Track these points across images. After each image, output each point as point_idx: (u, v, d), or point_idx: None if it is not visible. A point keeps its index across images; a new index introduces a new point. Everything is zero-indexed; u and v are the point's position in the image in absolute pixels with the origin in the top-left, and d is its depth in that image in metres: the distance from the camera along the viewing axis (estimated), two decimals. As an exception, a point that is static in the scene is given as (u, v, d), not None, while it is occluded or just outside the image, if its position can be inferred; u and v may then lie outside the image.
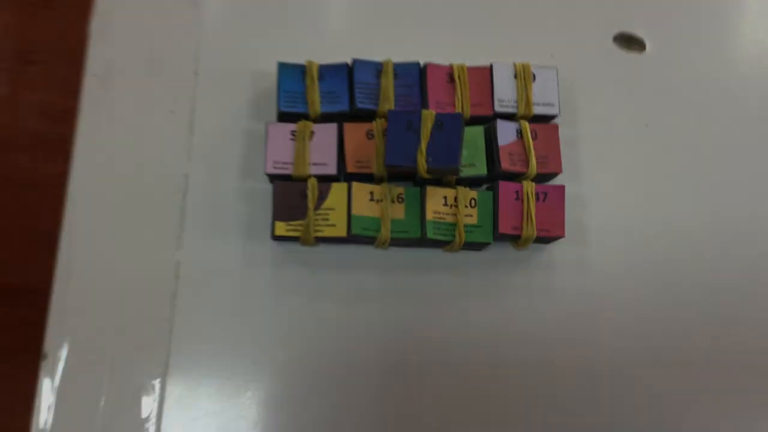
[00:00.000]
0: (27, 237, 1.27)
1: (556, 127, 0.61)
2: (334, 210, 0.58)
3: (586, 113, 0.66)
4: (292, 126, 0.59)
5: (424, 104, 0.61)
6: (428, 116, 0.56)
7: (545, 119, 0.63)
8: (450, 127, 0.56)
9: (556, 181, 0.62)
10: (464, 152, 0.59)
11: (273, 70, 0.60)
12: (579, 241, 0.62)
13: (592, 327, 0.61)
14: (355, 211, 0.58)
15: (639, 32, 0.69)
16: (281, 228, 0.57)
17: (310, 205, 0.57)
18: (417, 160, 0.55)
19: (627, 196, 0.64)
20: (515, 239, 0.60)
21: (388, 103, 0.60)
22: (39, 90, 1.38)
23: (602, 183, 0.64)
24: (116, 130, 0.61)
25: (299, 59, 0.61)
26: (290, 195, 0.58)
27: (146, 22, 0.64)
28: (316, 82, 0.60)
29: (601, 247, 0.63)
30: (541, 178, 0.61)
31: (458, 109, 0.60)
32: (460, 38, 0.67)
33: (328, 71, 0.61)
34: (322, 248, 0.60)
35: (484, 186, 0.62)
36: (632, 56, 0.68)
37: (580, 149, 0.65)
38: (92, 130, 0.60)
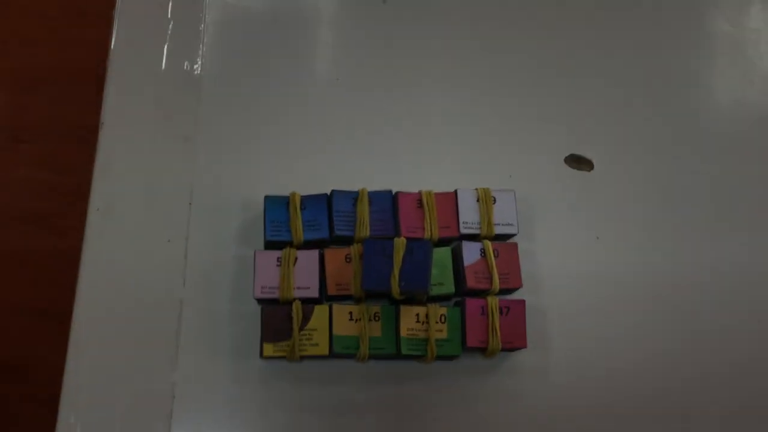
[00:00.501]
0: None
1: (515, 246, 0.68)
2: (317, 330, 0.64)
3: (542, 228, 0.73)
4: (278, 253, 0.66)
5: (397, 229, 0.68)
6: (400, 244, 0.63)
7: (505, 237, 0.70)
8: (420, 253, 0.63)
9: (517, 294, 0.69)
10: (433, 272, 0.66)
11: (260, 200, 0.67)
12: (541, 347, 0.69)
13: (555, 428, 0.67)
14: (336, 331, 0.64)
15: (587, 153, 0.77)
16: (269, 349, 0.64)
17: (295, 327, 0.64)
18: (391, 283, 0.62)
19: (583, 305, 0.71)
20: (483, 350, 0.67)
21: (364, 229, 0.67)
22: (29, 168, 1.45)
23: (559, 293, 0.71)
24: (117, 259, 0.67)
25: (284, 190, 0.68)
26: (277, 318, 0.64)
27: (143, 158, 0.71)
28: (299, 212, 0.67)
29: (561, 354, 0.69)
30: (504, 291, 0.69)
31: (427, 232, 0.68)
32: (427, 166, 0.75)
33: (309, 201, 0.68)
34: (307, 363, 0.67)
35: (453, 301, 0.69)
36: (582, 174, 0.76)
37: (538, 261, 0.72)
38: (95, 261, 0.67)
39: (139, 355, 0.65)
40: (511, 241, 0.70)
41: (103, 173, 0.70)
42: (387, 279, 0.62)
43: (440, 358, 0.66)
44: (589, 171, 0.77)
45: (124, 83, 0.73)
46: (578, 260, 0.73)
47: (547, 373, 0.69)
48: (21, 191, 1.43)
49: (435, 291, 0.66)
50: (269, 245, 0.67)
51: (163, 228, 0.69)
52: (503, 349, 0.66)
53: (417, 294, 0.65)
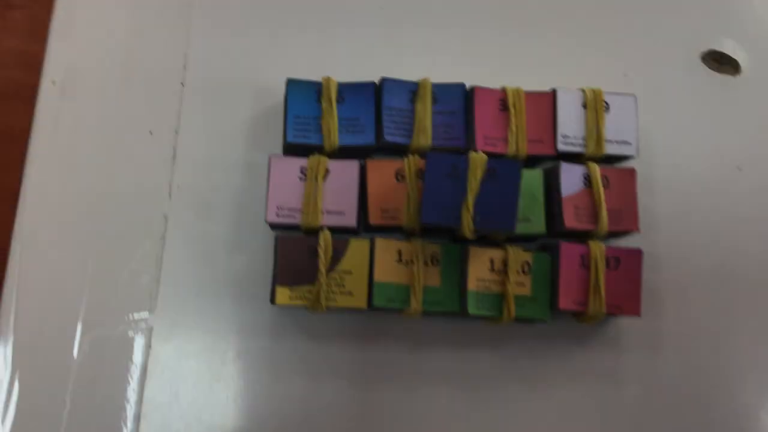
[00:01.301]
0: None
1: (633, 171, 0.50)
2: (352, 274, 0.47)
3: (666, 151, 0.55)
4: (302, 161, 0.48)
5: (470, 139, 0.49)
6: (478, 162, 0.45)
7: (619, 160, 0.52)
8: (505, 177, 0.45)
9: (631, 240, 0.51)
10: (519, 202, 0.48)
11: (281, 84, 0.49)
12: (655, 313, 0.52)
13: (669, 417, 0.50)
14: (378, 277, 0.47)
15: (732, 50, 0.57)
16: (284, 295, 0.46)
17: (322, 267, 0.46)
18: (462, 218, 0.44)
19: (714, 257, 0.53)
20: (579, 315, 0.49)
21: (424, 136, 0.49)
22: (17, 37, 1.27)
23: (684, 241, 0.53)
24: (75, 155, 0.50)
25: (314, 74, 0.49)
26: (297, 252, 0.47)
27: (118, 16, 0.52)
28: (335, 105, 0.49)
29: (680, 321, 0.52)
30: (613, 234, 0.51)
31: (512, 146, 0.49)
32: (511, 55, 0.55)
33: (349, 92, 0.49)
34: (335, 317, 0.50)
35: (540, 243, 0.51)
36: (724, 79, 0.57)
37: (659, 198, 0.54)
38: (46, 154, 0.49)
39: (109, 292, 0.48)
40: (627, 165, 0.51)
41: (62, 32, 0.51)
42: (457, 211, 0.44)
43: (519, 320, 0.49)
44: (735, 75, 0.57)
45: None
46: (713, 197, 0.54)
47: (664, 351, 0.52)
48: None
49: (519, 229, 0.48)
50: (290, 150, 0.49)
51: (144, 114, 0.51)
52: (608, 314, 0.48)
53: (496, 233, 0.47)
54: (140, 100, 0.51)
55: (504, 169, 0.45)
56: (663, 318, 0.52)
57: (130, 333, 0.48)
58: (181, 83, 0.51)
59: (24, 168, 0.50)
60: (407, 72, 0.50)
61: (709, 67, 0.57)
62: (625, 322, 0.51)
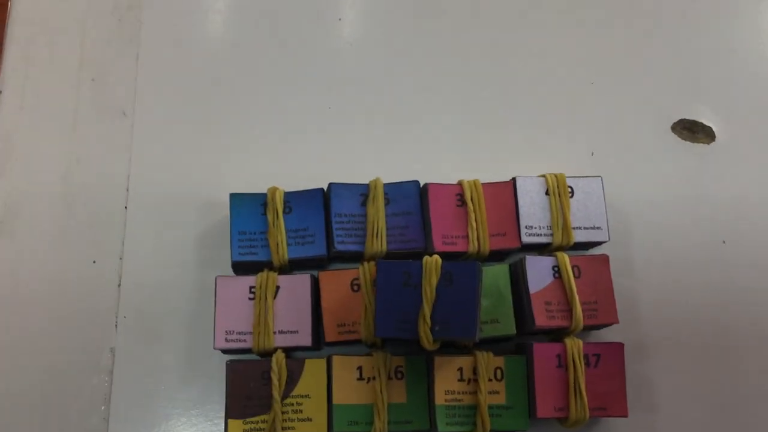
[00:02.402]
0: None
1: (605, 259, 0.48)
2: (309, 398, 0.45)
3: (643, 230, 0.53)
4: (250, 280, 0.46)
5: (428, 239, 0.48)
6: (432, 267, 0.43)
7: (590, 246, 0.50)
8: (462, 281, 0.43)
9: (610, 332, 0.49)
10: (483, 302, 0.46)
11: (224, 200, 0.48)
12: (646, 409, 0.49)
13: None
14: (337, 399, 0.44)
15: (705, 117, 0.55)
16: (236, 429, 0.44)
17: (276, 393, 0.44)
18: (419, 330, 0.42)
19: (705, 338, 0.50)
20: (561, 419, 0.46)
21: (378, 241, 0.47)
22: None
23: (670, 326, 0.50)
24: (16, 289, 0.48)
25: (259, 185, 0.48)
26: (249, 379, 0.45)
27: (57, 137, 0.52)
28: (281, 217, 0.47)
29: (674, 413, 0.49)
30: (589, 328, 0.48)
31: (472, 243, 0.47)
32: (467, 146, 0.54)
33: (296, 201, 0.48)
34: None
35: (513, 344, 0.49)
36: (698, 149, 0.55)
37: (639, 281, 0.51)
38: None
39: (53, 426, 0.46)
40: (599, 251, 0.49)
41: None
42: (413, 322, 0.42)
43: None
44: (709, 144, 0.55)
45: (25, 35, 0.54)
46: (698, 275, 0.52)
47: (655, 448, 0.48)
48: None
49: (488, 331, 0.46)
50: (239, 268, 0.48)
51: (86, 243, 0.50)
52: (593, 416, 0.46)
53: (459, 341, 0.45)
54: (82, 228, 0.50)
55: (461, 272, 0.43)
56: (655, 413, 0.49)
57: (80, 480, 0.46)
58: (125, 206, 0.50)
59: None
60: (358, 174, 0.49)
61: (682, 138, 0.55)
62: (613, 423, 0.48)
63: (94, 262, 0.49)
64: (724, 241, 0.52)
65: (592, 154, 0.54)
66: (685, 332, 0.50)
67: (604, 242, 0.49)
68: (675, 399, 0.49)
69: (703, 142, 0.55)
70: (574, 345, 0.46)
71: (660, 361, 0.50)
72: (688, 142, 0.55)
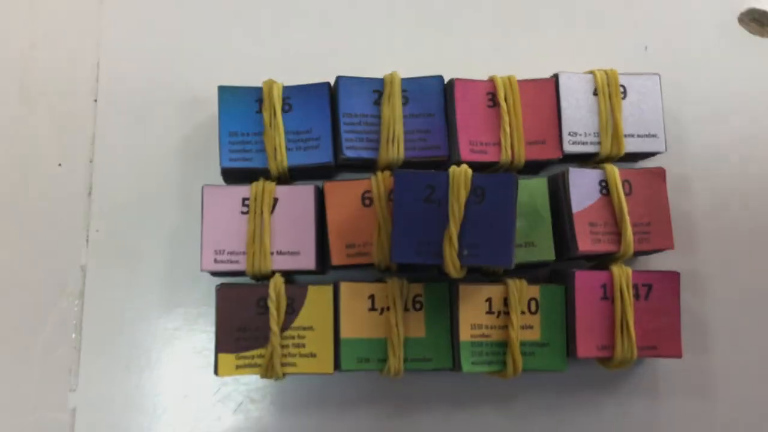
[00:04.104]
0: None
1: (662, 172, 0.42)
2: (313, 330, 0.39)
3: (703, 142, 0.46)
4: (243, 190, 0.40)
5: (453, 146, 0.41)
6: (461, 179, 0.37)
7: (642, 158, 0.44)
8: (497, 197, 0.37)
9: (663, 259, 0.43)
10: (518, 222, 0.40)
11: (212, 94, 0.41)
12: (700, 350, 0.44)
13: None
14: (345, 333, 0.39)
15: (778, 7, 0.49)
16: (228, 365, 0.39)
17: (274, 324, 0.38)
18: (444, 255, 0.36)
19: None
20: (604, 360, 0.41)
21: (395, 147, 0.41)
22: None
23: (731, 255, 0.45)
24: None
25: (254, 77, 0.41)
26: (241, 307, 0.39)
27: (15, 25, 0.45)
28: (280, 116, 0.41)
29: (732, 357, 0.44)
30: (639, 253, 0.42)
31: (505, 152, 0.41)
32: (500, 37, 0.47)
33: (298, 97, 0.41)
34: (297, 383, 0.42)
35: (549, 270, 0.43)
36: (769, 44, 0.48)
37: (696, 202, 0.45)
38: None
39: (18, 371, 0.41)
40: (654, 165, 0.43)
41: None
42: (437, 245, 0.36)
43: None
44: (782, 39, 0.48)
45: None
46: (765, 199, 0.46)
47: (714, 396, 0.44)
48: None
49: (520, 257, 0.40)
50: (229, 176, 0.42)
51: (50, 143, 0.44)
52: (641, 356, 0.41)
53: (490, 268, 0.39)
54: (44, 125, 0.43)
55: (495, 187, 0.37)
56: (710, 354, 0.44)
57: (49, 419, 0.41)
58: (94, 99, 0.44)
59: None
60: (370, 68, 0.42)
61: (750, 31, 0.48)
62: (663, 363, 0.44)
63: (60, 165, 0.43)
64: (796, 154, 0.46)
65: (646, 48, 0.47)
66: (747, 264, 0.45)
67: (659, 153, 0.43)
68: (733, 339, 0.44)
69: (776, 37, 0.48)
70: (623, 273, 0.40)
71: (718, 295, 0.45)
72: (757, 36, 0.48)
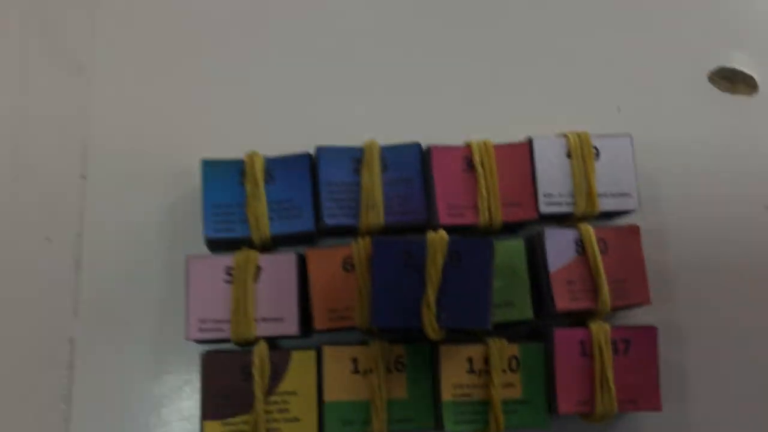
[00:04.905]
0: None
1: (636, 230, 0.43)
2: (296, 394, 0.40)
3: (676, 197, 0.48)
4: (227, 260, 0.42)
5: (432, 210, 0.43)
6: (438, 245, 0.38)
7: (616, 216, 0.45)
8: (473, 261, 0.38)
9: (641, 313, 0.44)
10: (496, 283, 0.41)
11: (195, 168, 0.43)
12: (680, 401, 0.45)
13: None
14: (329, 396, 0.40)
15: (746, 65, 0.50)
16: (214, 432, 0.40)
17: (258, 391, 0.40)
18: (423, 318, 0.38)
19: (747, 322, 0.46)
20: (585, 415, 0.42)
21: (374, 213, 0.42)
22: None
23: (709, 306, 0.46)
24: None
25: (236, 150, 0.43)
26: (227, 374, 0.40)
27: (4, 105, 0.47)
28: (262, 186, 0.42)
29: (712, 407, 0.45)
30: (617, 309, 0.44)
31: (483, 214, 0.43)
32: (474, 103, 0.49)
33: (279, 168, 0.43)
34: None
35: (528, 328, 0.44)
36: (738, 100, 0.50)
37: (672, 256, 0.47)
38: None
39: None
40: (628, 222, 0.44)
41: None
42: (415, 309, 0.38)
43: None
44: (750, 95, 0.50)
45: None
46: (739, 247, 0.47)
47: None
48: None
49: (501, 316, 0.41)
50: (213, 246, 0.43)
51: (38, 217, 0.45)
52: (621, 411, 0.42)
53: (469, 330, 0.40)
54: (33, 199, 0.45)
55: (471, 251, 0.38)
56: (690, 407, 0.45)
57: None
58: (82, 176, 0.46)
59: None
60: (351, 136, 0.44)
61: (720, 88, 0.50)
62: (643, 416, 0.44)
63: (48, 239, 0.45)
64: (767, 207, 0.48)
65: (619, 109, 0.49)
66: (726, 314, 0.46)
67: (633, 211, 0.44)
68: (713, 390, 0.45)
69: (744, 94, 0.50)
70: (601, 330, 0.41)
71: (696, 347, 0.46)
72: (727, 94, 0.50)
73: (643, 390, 0.42)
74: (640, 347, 0.42)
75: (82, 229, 0.45)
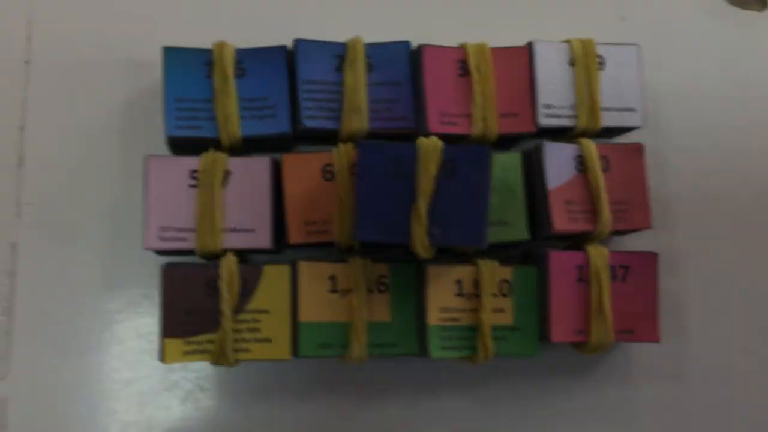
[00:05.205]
0: None
1: (640, 148, 0.40)
2: (268, 313, 0.37)
3: (680, 116, 0.45)
4: (192, 162, 0.38)
5: (421, 117, 0.39)
6: (431, 151, 0.35)
7: (619, 133, 0.42)
8: (469, 170, 0.35)
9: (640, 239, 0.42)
10: (489, 203, 0.38)
11: (155, 56, 0.38)
12: (676, 334, 0.43)
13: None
14: (304, 316, 0.37)
15: (759, -22, 0.47)
16: (175, 350, 0.36)
17: (226, 307, 0.36)
18: (412, 233, 0.34)
19: (748, 252, 0.44)
20: (578, 344, 0.40)
21: (358, 117, 0.38)
22: None
23: (709, 235, 0.44)
24: None
25: (202, 41, 0.39)
26: (190, 288, 0.37)
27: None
28: (233, 81, 0.38)
29: (709, 342, 0.43)
30: (617, 233, 0.41)
31: (477, 123, 0.39)
32: (471, 1, 0.45)
33: (252, 61, 0.39)
34: (250, 370, 0.40)
35: (521, 251, 0.41)
36: (749, 17, 0.47)
37: (673, 180, 0.44)
38: None
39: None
40: (631, 139, 0.41)
41: None
42: (404, 223, 0.34)
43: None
44: (761, 11, 0.47)
45: None
46: (744, 173, 0.45)
47: (690, 382, 0.43)
48: None
49: (493, 236, 0.38)
50: (176, 146, 0.39)
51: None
52: (618, 341, 0.39)
53: (461, 248, 0.37)
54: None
55: (467, 160, 0.35)
56: (687, 339, 0.43)
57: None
58: (25, 61, 0.40)
59: None
60: (331, 31, 0.39)
61: (730, 2, 0.47)
62: (639, 348, 0.42)
63: (-12, 131, 0.40)
64: (774, 128, 0.45)
65: (623, 18, 0.46)
66: (727, 242, 0.44)
67: (638, 128, 0.41)
68: (712, 322, 0.43)
69: (755, 9, 0.47)
70: (599, 254, 0.39)
71: (696, 276, 0.44)
72: (736, 8, 0.47)
73: (641, 320, 0.39)
74: (639, 274, 0.39)
75: (25, 122, 0.40)
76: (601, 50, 0.41)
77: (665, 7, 0.46)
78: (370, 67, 0.39)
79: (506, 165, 0.39)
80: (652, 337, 0.39)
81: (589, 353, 0.40)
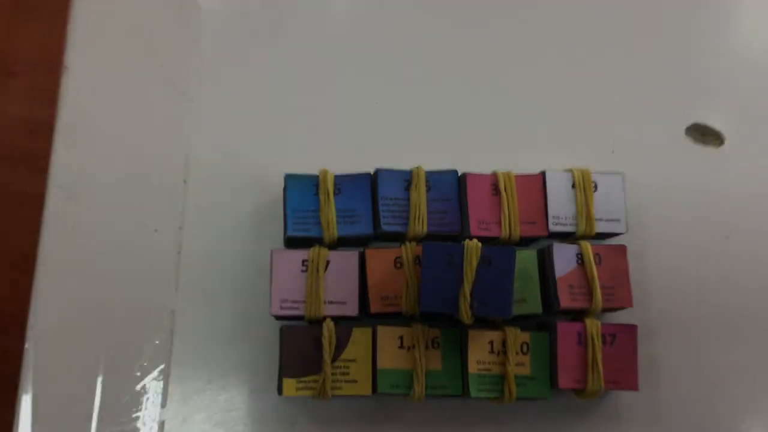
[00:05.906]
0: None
1: (623, 248, 0.55)
2: (356, 361, 0.52)
3: (655, 224, 0.60)
4: (303, 254, 0.53)
5: (465, 223, 0.55)
6: (473, 250, 0.50)
7: (609, 237, 0.57)
8: (500, 264, 0.50)
9: (624, 314, 0.56)
10: (513, 287, 0.53)
11: (279, 181, 0.54)
12: (652, 385, 0.56)
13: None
14: (381, 364, 0.51)
15: (715, 123, 0.63)
16: (290, 387, 0.51)
17: (327, 357, 0.51)
18: (460, 306, 0.49)
19: (706, 324, 0.58)
20: (578, 391, 0.54)
21: (420, 223, 0.54)
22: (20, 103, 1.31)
23: (677, 311, 0.58)
24: (84, 255, 0.55)
25: (312, 167, 0.55)
26: (302, 342, 0.51)
27: (121, 118, 0.58)
28: (332, 197, 0.54)
29: (678, 390, 0.57)
30: (606, 310, 0.55)
31: (504, 229, 0.54)
32: (501, 138, 0.62)
33: (346, 184, 0.54)
34: (342, 403, 0.54)
35: (535, 322, 0.56)
36: (708, 152, 0.62)
37: (650, 271, 0.59)
38: (55, 253, 0.54)
39: (119, 390, 0.53)
40: (617, 241, 0.56)
41: (67, 138, 0.56)
42: (454, 299, 0.49)
43: (521, 398, 0.53)
44: (718, 147, 0.62)
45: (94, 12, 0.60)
46: (703, 267, 0.59)
47: (663, 422, 0.56)
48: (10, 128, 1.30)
49: (516, 310, 0.53)
50: (291, 242, 0.54)
51: (148, 213, 0.56)
52: (607, 389, 0.54)
53: (493, 318, 0.52)
54: (145, 199, 0.56)
55: (498, 257, 0.50)
56: (661, 389, 0.56)
57: (142, 429, 0.52)
58: (184, 181, 0.57)
59: (35, 265, 0.54)
60: (401, 161, 0.55)
61: (694, 140, 0.62)
62: (624, 395, 0.56)
63: (156, 231, 0.56)
64: (727, 237, 0.60)
65: (613, 151, 0.61)
66: (691, 317, 0.58)
67: (622, 233, 0.56)
68: (679, 377, 0.57)
69: (714, 145, 0.62)
70: (593, 325, 0.53)
71: (667, 342, 0.57)
72: (700, 145, 0.62)
73: (624, 373, 0.53)
74: (623, 340, 0.53)
75: (183, 223, 0.56)
76: (595, 177, 0.56)
77: (645, 143, 0.61)
78: (429, 188, 0.55)
79: (526, 258, 0.54)
80: (633, 387, 0.53)
81: (586, 398, 0.54)
